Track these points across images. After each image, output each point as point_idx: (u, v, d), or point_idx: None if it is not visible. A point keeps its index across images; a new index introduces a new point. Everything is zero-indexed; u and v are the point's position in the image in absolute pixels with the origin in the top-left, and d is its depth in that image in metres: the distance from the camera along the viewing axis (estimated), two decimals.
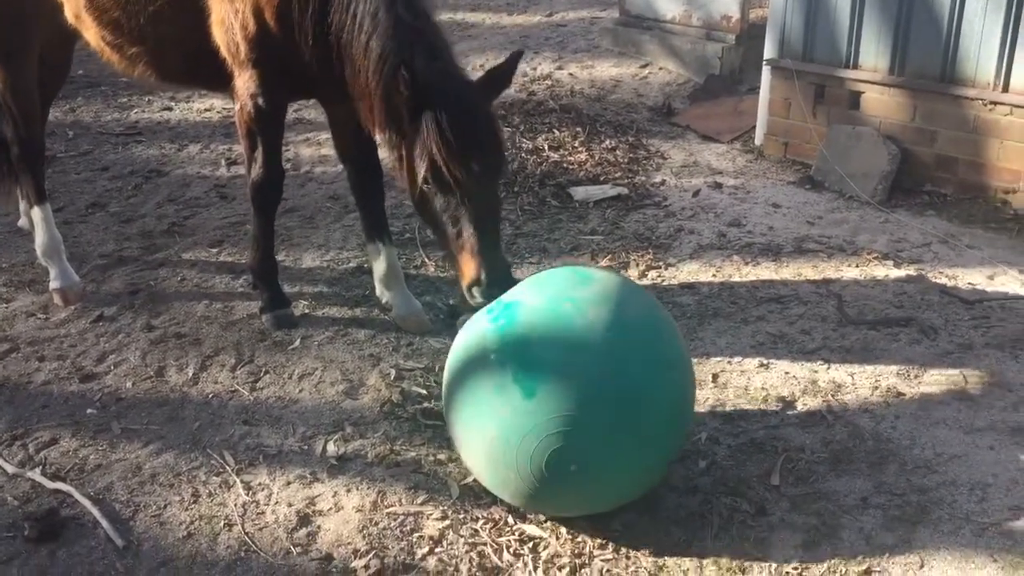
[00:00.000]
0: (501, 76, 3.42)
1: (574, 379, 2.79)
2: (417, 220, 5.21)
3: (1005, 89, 5.16)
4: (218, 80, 3.98)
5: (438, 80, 3.26)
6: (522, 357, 2.84)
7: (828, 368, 3.89)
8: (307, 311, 4.40)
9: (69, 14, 4.18)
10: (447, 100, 3.19)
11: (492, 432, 2.85)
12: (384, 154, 3.76)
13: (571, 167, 5.93)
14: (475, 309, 3.19)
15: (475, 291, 3.24)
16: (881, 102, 5.63)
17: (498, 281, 3.22)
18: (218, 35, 3.79)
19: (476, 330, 2.99)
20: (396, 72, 3.19)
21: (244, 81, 3.82)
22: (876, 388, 3.74)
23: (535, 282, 3.08)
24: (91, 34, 4.17)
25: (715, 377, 3.85)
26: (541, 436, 2.76)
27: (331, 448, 3.48)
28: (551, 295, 2.95)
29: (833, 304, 4.35)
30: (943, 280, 4.56)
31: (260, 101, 3.82)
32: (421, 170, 3.24)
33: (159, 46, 4.02)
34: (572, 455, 2.78)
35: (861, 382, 3.79)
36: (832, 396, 3.70)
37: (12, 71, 4.41)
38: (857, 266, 4.72)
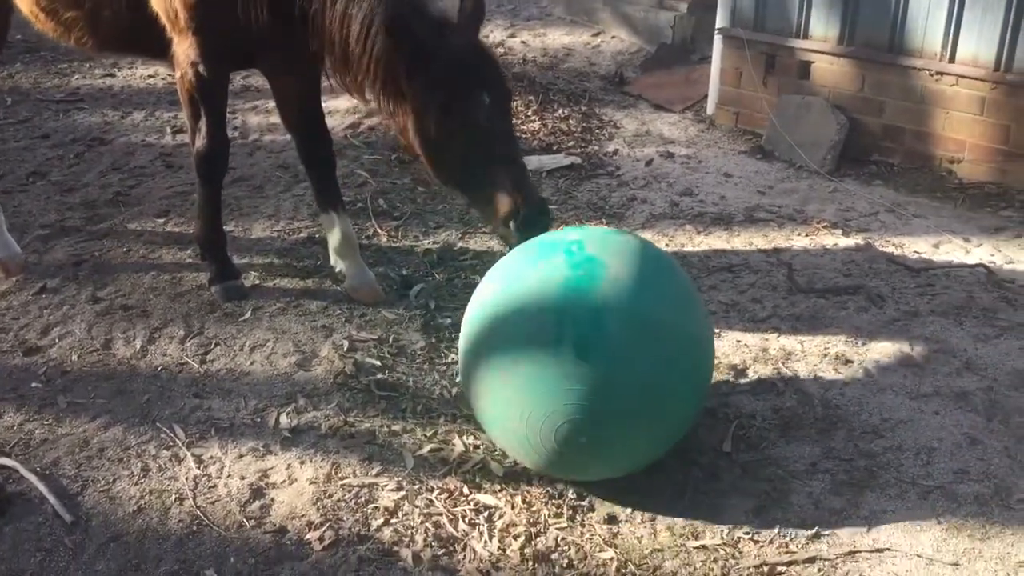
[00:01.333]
0: (476, 7, 3.42)
1: (629, 365, 2.81)
2: (368, 190, 5.16)
3: (951, 60, 5.24)
4: (157, 47, 3.86)
5: (427, 29, 3.24)
6: (594, 322, 2.81)
7: (778, 336, 3.94)
8: (257, 282, 4.33)
9: None
10: (444, 46, 3.18)
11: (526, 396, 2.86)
12: (379, 118, 3.73)
13: (524, 136, 5.90)
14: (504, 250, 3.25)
15: (512, 224, 3.24)
16: (830, 72, 5.68)
17: (538, 211, 3.26)
18: (155, 1, 3.68)
19: (551, 267, 2.89)
20: (388, 35, 3.15)
21: (184, 49, 3.71)
22: (825, 355, 3.80)
23: (613, 244, 3.01)
24: (24, 1, 4.01)
25: None
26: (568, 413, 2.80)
27: (284, 420, 3.44)
28: (633, 273, 2.89)
29: (783, 273, 4.40)
30: (890, 249, 4.63)
31: (201, 69, 3.72)
32: (433, 121, 3.20)
33: (96, 11, 3.88)
34: (586, 429, 2.81)
35: (811, 350, 3.84)
36: (782, 364, 3.75)
37: None
38: (807, 235, 4.77)
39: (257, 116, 6.29)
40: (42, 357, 3.82)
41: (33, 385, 3.66)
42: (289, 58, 3.71)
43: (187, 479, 3.17)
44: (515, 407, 2.86)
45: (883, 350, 3.83)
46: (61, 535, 2.94)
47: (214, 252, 4.20)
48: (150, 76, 7.04)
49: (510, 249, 3.21)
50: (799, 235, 4.77)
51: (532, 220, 3.23)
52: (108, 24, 3.93)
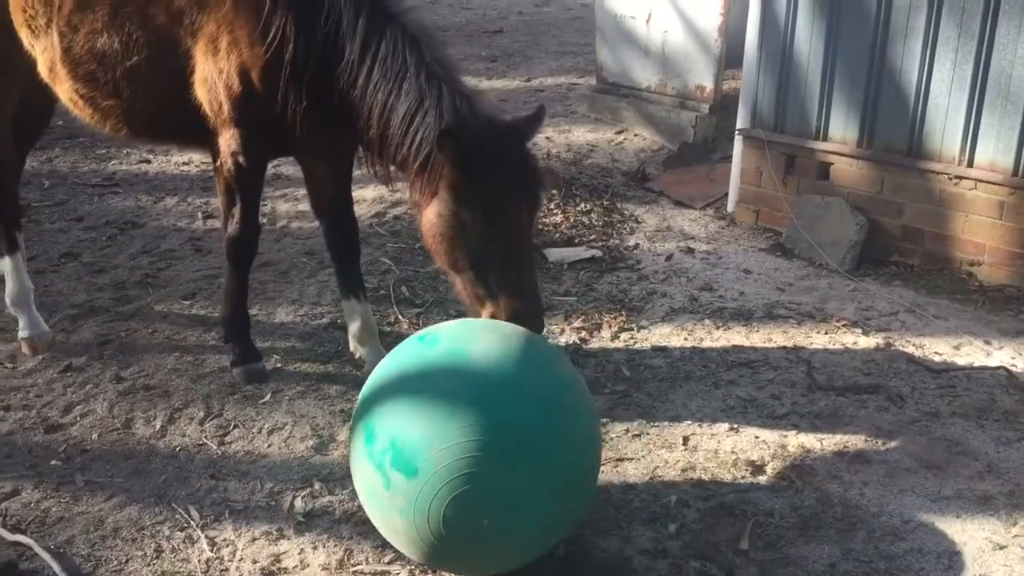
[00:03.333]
0: (532, 120, 3.45)
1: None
2: (392, 278, 5.24)
3: (970, 164, 5.30)
4: (193, 136, 3.99)
5: (482, 124, 3.29)
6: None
7: (797, 433, 3.91)
8: (279, 365, 4.38)
9: (43, 68, 4.18)
10: (489, 149, 3.21)
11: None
12: (408, 200, 3.70)
13: (546, 228, 5.99)
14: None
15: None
16: (850, 173, 5.76)
17: (534, 320, 3.28)
18: (200, 93, 3.81)
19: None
20: (439, 137, 3.17)
21: (226, 139, 3.83)
22: (844, 454, 3.77)
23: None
24: (64, 88, 4.15)
25: (686, 440, 3.86)
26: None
27: (298, 504, 3.44)
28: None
29: (803, 370, 4.39)
30: (910, 349, 4.62)
31: (241, 159, 3.84)
32: (470, 211, 3.22)
33: (134, 100, 4.01)
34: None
35: (830, 448, 3.81)
36: (801, 461, 3.72)
37: None
38: (826, 333, 4.78)
39: (286, 204, 6.43)
40: (63, 435, 3.86)
41: (52, 463, 3.69)
42: (325, 144, 3.82)
43: (199, 561, 3.16)
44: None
45: (903, 451, 3.79)
46: None
47: (238, 335, 4.26)
48: (184, 163, 7.24)
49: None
50: (819, 333, 4.78)
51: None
52: (145, 113, 4.07)
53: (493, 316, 3.28)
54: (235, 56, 3.62)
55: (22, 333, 4.47)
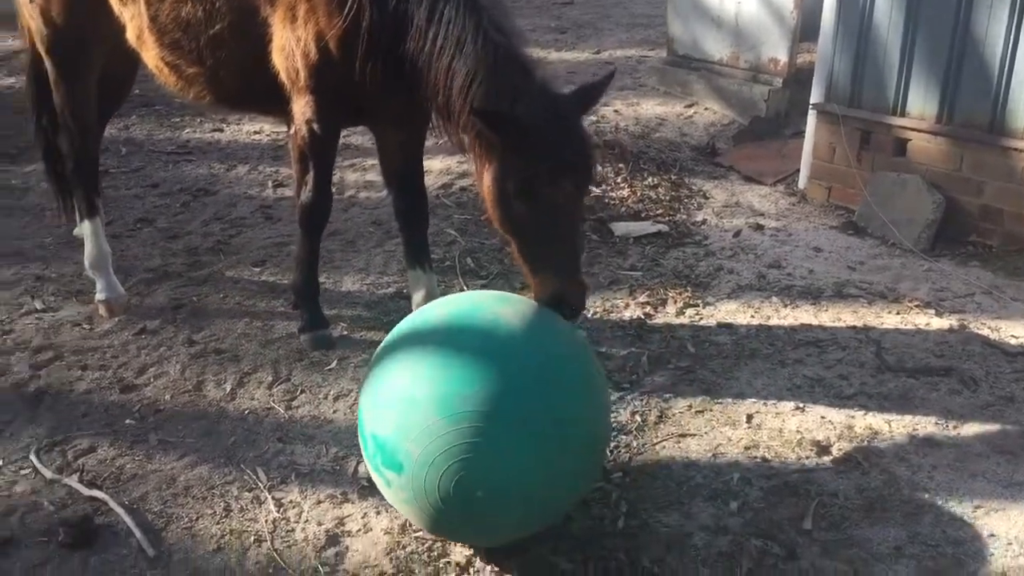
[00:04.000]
0: (592, 91, 3.41)
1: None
2: (457, 249, 5.26)
3: None
4: (273, 104, 4.05)
5: (533, 96, 3.25)
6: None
7: (865, 414, 3.85)
8: (345, 333, 4.44)
9: (131, 35, 4.28)
10: (541, 116, 3.18)
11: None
12: (466, 166, 3.71)
13: (613, 203, 5.96)
14: None
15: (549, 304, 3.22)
16: (927, 150, 5.60)
17: (575, 303, 3.24)
18: (278, 61, 3.85)
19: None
20: (473, 113, 3.18)
21: (301, 107, 3.87)
22: (913, 437, 3.69)
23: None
24: (150, 55, 4.26)
25: (750, 418, 3.82)
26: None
27: (362, 469, 3.49)
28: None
29: (872, 350, 4.30)
30: (985, 331, 4.50)
31: (316, 127, 3.88)
32: (510, 184, 3.20)
33: (217, 68, 4.09)
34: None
35: (898, 430, 3.74)
36: (868, 443, 3.66)
37: (72, 88, 4.54)
38: (898, 313, 4.68)
39: (355, 173, 6.49)
40: (137, 395, 3.98)
41: (127, 422, 3.80)
42: (397, 113, 3.83)
43: (266, 521, 3.24)
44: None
45: (975, 435, 3.70)
46: (143, 569, 3.04)
47: (307, 302, 4.33)
48: (255, 132, 7.34)
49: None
50: (890, 313, 4.68)
51: (567, 313, 3.21)
52: (227, 81, 4.14)
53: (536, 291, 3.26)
54: (312, 24, 3.65)
55: (99, 296, 4.61)
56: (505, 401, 2.75)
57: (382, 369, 2.98)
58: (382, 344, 3.13)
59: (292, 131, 4.01)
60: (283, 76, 3.87)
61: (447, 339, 2.90)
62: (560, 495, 2.97)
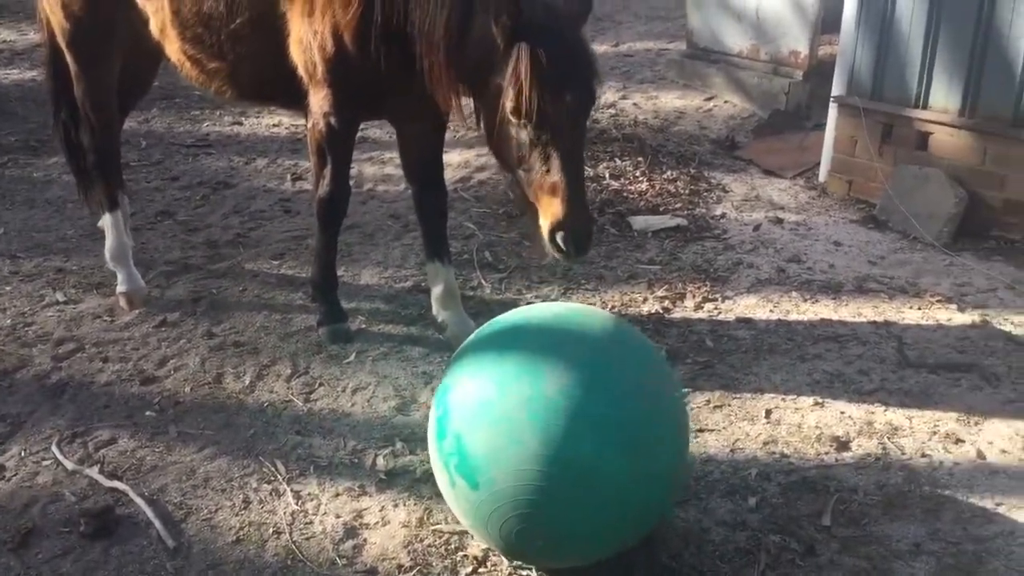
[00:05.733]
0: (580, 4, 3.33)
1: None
2: (475, 242, 5.26)
3: None
4: (293, 98, 4.05)
5: (533, 10, 3.17)
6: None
7: (885, 410, 3.82)
8: (363, 326, 4.45)
9: (154, 28, 4.29)
10: (543, 29, 3.11)
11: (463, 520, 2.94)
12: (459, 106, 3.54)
13: (631, 196, 5.94)
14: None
15: (559, 236, 3.17)
16: (950, 144, 5.55)
17: (582, 228, 3.18)
18: (296, 54, 3.86)
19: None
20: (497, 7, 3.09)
21: (318, 100, 3.88)
22: (935, 433, 3.67)
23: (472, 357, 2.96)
24: (173, 48, 4.27)
25: (768, 413, 3.81)
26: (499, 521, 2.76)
27: (380, 462, 3.51)
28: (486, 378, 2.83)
29: (893, 345, 4.27)
30: (1008, 327, 4.45)
31: (333, 120, 3.88)
32: (509, 101, 3.13)
33: (238, 62, 4.10)
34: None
35: (919, 426, 3.71)
36: (888, 439, 3.64)
37: (93, 81, 4.55)
38: (919, 308, 4.64)
39: (373, 167, 6.50)
40: (157, 387, 4.00)
41: (147, 413, 3.83)
42: (415, 106, 3.82)
43: (285, 514, 3.25)
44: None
45: (997, 431, 3.67)
46: (164, 560, 3.06)
47: (325, 295, 4.34)
48: (274, 125, 7.36)
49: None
50: (911, 308, 4.64)
51: (576, 241, 3.17)
52: (248, 75, 4.16)
53: (543, 223, 3.21)
54: (329, 16, 3.65)
55: (120, 288, 4.64)
56: (607, 484, 2.68)
57: (495, 372, 2.81)
58: (500, 327, 2.98)
59: (310, 124, 4.01)
60: (301, 69, 3.88)
61: (578, 396, 2.69)
62: (619, 547, 2.91)
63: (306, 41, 3.78)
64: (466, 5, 3.35)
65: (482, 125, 3.43)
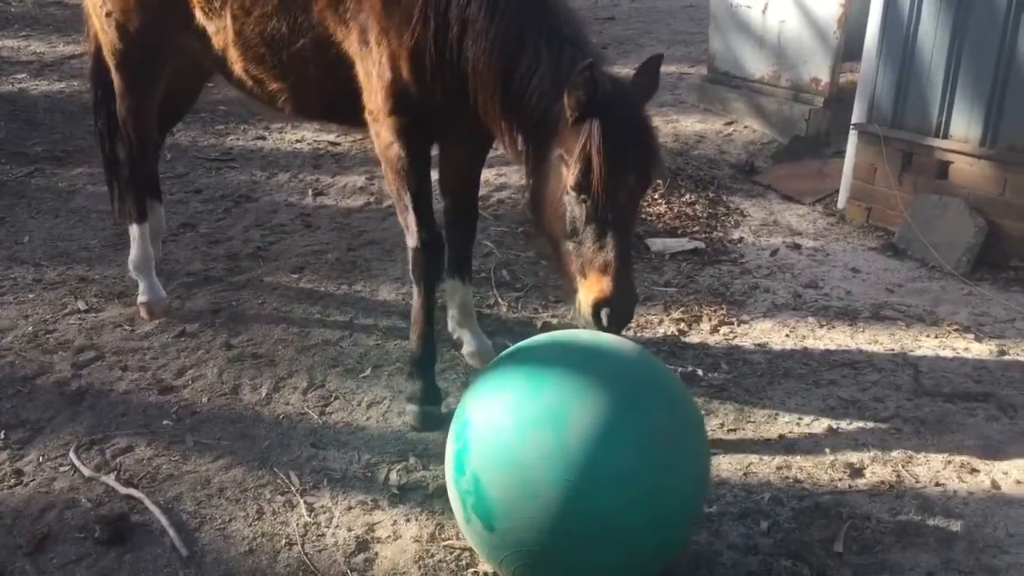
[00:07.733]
0: (649, 80, 3.33)
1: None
2: (493, 261, 5.29)
3: None
4: (351, 117, 3.95)
5: (604, 85, 3.15)
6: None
7: (900, 438, 3.81)
8: (379, 342, 4.48)
9: (216, 48, 4.23)
10: (613, 108, 3.10)
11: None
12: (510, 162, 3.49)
13: (649, 218, 5.96)
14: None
15: (603, 312, 3.13)
16: (970, 173, 5.55)
17: (628, 307, 3.18)
18: (359, 82, 3.78)
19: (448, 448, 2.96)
20: (579, 74, 3.06)
21: (384, 132, 3.75)
22: (949, 462, 3.65)
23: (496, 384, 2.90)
24: (235, 68, 4.21)
25: (782, 438, 3.80)
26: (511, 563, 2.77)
27: (393, 477, 3.53)
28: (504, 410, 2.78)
29: (909, 374, 4.26)
30: None
31: (397, 150, 3.73)
32: (573, 176, 3.12)
33: (299, 84, 4.05)
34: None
35: (934, 455, 3.70)
36: (903, 467, 3.62)
37: (136, 101, 4.58)
38: (936, 337, 4.63)
39: None
40: (175, 396, 4.04)
41: (164, 422, 3.86)
42: (467, 131, 3.75)
43: (298, 525, 3.27)
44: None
45: (1013, 462, 3.65)
46: (177, 568, 3.08)
47: (423, 369, 3.94)
48: (297, 141, 7.44)
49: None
50: (928, 336, 4.63)
51: (617, 319, 3.14)
52: (310, 97, 4.11)
53: (585, 297, 3.20)
54: (385, 46, 3.59)
55: (141, 297, 4.69)
56: (625, 537, 2.67)
57: (516, 415, 2.74)
58: (524, 358, 2.93)
59: (381, 157, 3.87)
60: (364, 98, 3.79)
61: (600, 451, 2.63)
62: None
63: (366, 70, 3.71)
64: (519, 50, 3.30)
65: (530, 191, 3.38)
